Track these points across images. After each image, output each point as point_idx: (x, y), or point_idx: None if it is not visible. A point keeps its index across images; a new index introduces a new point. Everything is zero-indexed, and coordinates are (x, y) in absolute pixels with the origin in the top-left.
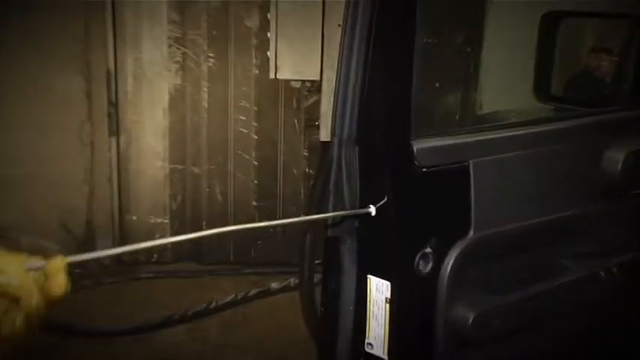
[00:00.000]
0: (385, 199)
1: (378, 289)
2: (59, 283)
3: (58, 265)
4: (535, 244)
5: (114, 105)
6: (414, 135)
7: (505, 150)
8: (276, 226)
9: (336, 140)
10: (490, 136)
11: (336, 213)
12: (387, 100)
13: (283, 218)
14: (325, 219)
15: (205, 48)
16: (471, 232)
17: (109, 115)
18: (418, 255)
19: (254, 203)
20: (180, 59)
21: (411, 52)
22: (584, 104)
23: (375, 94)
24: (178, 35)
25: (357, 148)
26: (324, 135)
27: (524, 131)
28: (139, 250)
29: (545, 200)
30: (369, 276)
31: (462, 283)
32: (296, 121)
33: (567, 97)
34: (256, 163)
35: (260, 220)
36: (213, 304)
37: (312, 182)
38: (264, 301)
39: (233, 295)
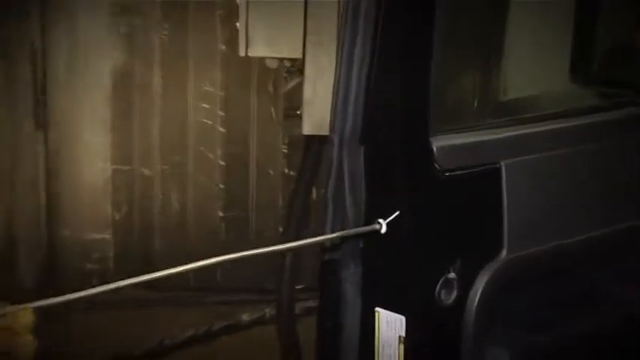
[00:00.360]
0: (398, 213)
1: (390, 326)
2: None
3: (26, 319)
4: (584, 266)
5: (41, 90)
6: (432, 131)
7: (546, 148)
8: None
9: (335, 139)
10: (526, 130)
11: (337, 234)
12: (401, 88)
13: (257, 231)
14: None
15: (158, 17)
16: (504, 252)
17: (36, 104)
18: (440, 282)
19: (220, 213)
20: (125, 31)
21: (431, 29)
22: (634, 88)
23: (386, 80)
24: (123, 0)
25: (362, 149)
26: (308, 127)
27: (570, 124)
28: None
29: (597, 210)
30: (377, 309)
31: (494, 316)
32: (273, 109)
33: (613, 78)
34: (223, 163)
35: (227, 234)
36: (167, 342)
37: (293, 187)
38: (232, 337)
39: (193, 330)
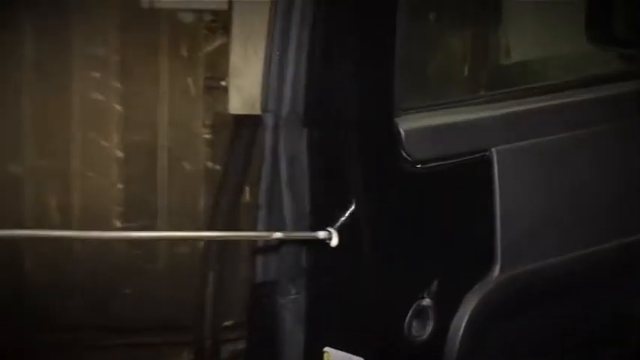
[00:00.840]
0: (351, 216)
1: None
2: None
3: None
4: (596, 285)
5: None
6: (399, 109)
7: (551, 129)
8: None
9: (269, 120)
10: (526, 106)
11: (269, 233)
12: (356, 52)
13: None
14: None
15: None
16: (497, 270)
17: None
18: (410, 310)
19: (117, 223)
20: None
21: None
22: None
23: (336, 44)
24: None
25: (305, 133)
26: (237, 105)
27: (583, 97)
28: None
29: (618, 213)
30: (326, 349)
31: (483, 353)
32: (190, 80)
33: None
34: (121, 155)
35: (128, 251)
36: None
37: (217, 185)
38: None
39: None
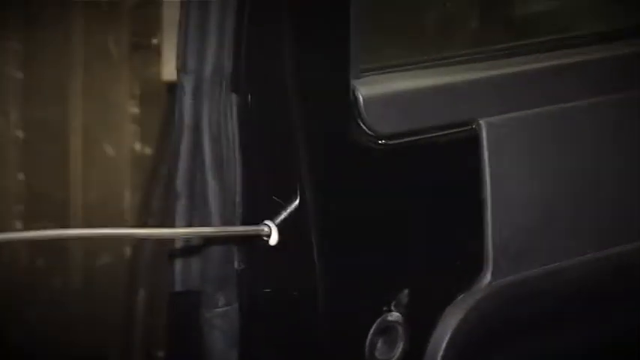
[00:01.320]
0: (296, 207)
1: None
2: None
3: None
4: (617, 296)
5: None
6: (357, 69)
7: (557, 97)
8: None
9: (187, 81)
10: (523, 66)
11: (196, 229)
12: None
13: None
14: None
15: None
16: (486, 277)
17: None
18: (373, 327)
19: (17, 224)
20: None
21: None
22: None
23: None
24: None
25: (234, 99)
26: (171, 70)
27: (595, 55)
28: None
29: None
30: None
31: None
32: (109, 38)
33: None
34: (20, 135)
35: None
36: None
37: (149, 172)
38: None
39: None
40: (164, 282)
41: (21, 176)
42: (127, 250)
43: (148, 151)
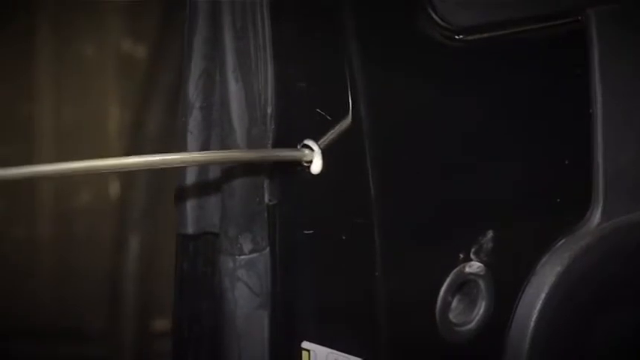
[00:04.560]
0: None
1: None
2: None
3: None
4: None
5: None
6: None
7: None
8: None
9: None
10: None
11: (209, 154)
12: None
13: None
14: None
15: None
16: (596, 217)
17: None
18: (446, 282)
19: None
20: None
21: None
22: None
23: None
24: None
25: None
26: None
27: None
28: None
29: None
30: (306, 345)
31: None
32: None
33: None
34: None
35: None
36: None
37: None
38: None
39: None
40: (168, 224)
41: None
42: (112, 187)
43: (141, 51)
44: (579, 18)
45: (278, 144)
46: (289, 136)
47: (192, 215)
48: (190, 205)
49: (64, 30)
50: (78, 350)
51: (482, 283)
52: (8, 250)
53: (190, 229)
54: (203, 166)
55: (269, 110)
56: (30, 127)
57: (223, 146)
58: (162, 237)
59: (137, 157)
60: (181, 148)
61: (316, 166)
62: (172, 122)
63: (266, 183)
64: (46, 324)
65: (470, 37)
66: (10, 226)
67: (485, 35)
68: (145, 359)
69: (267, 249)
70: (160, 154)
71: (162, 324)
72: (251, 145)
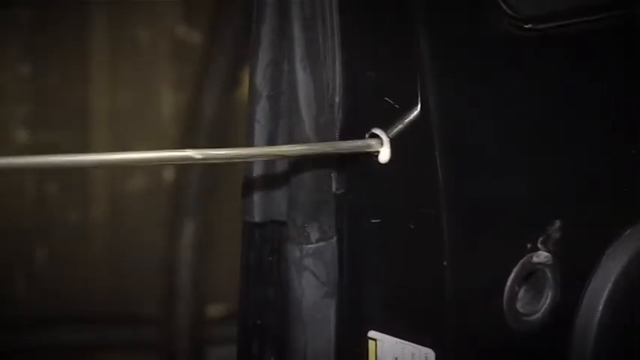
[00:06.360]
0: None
1: None
2: None
3: None
4: None
5: None
6: None
7: None
8: None
9: None
10: None
11: (279, 148)
12: None
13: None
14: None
15: None
16: None
17: None
18: (513, 272)
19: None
20: None
21: None
22: None
23: None
24: None
25: None
26: None
27: None
28: None
29: None
30: (372, 334)
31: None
32: None
33: None
34: None
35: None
36: None
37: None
38: None
39: None
40: (223, 209)
41: (25, 69)
42: (166, 172)
43: (196, 36)
44: None
45: (345, 132)
46: (357, 125)
47: (259, 203)
48: (257, 193)
49: (119, 15)
50: (132, 335)
51: (549, 273)
52: (63, 235)
53: (257, 217)
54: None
55: (337, 99)
56: (84, 113)
57: (291, 135)
58: (217, 222)
59: (203, 150)
60: (248, 136)
61: (384, 156)
62: (226, 108)
63: (333, 172)
64: (101, 309)
65: (539, 26)
66: (64, 211)
67: (556, 24)
68: (199, 344)
69: (334, 238)
70: (228, 148)
71: (217, 309)
72: (319, 134)
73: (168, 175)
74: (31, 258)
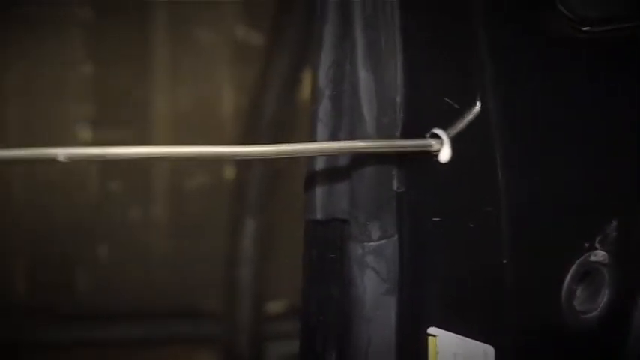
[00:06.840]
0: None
1: None
2: None
3: None
4: None
5: None
6: None
7: None
8: None
9: None
10: None
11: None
12: None
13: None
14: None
15: None
16: None
17: None
18: (571, 270)
19: (83, 134)
20: None
21: None
22: None
23: None
24: None
25: None
26: None
27: None
28: None
29: None
30: (432, 331)
31: None
32: None
33: None
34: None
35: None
36: None
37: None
38: None
39: None
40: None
41: (88, 69)
42: (227, 169)
43: (256, 37)
44: None
45: (407, 132)
46: (418, 125)
47: (322, 201)
48: (319, 191)
49: (180, 15)
50: (193, 330)
51: (606, 272)
52: (126, 232)
53: (319, 215)
54: (330, 154)
55: (398, 99)
56: (146, 112)
57: (353, 134)
58: (278, 220)
59: (269, 145)
60: (311, 135)
61: (445, 155)
62: (287, 108)
63: (395, 171)
64: (162, 304)
65: (597, 29)
66: (126, 208)
67: (614, 27)
68: (259, 340)
69: (396, 236)
70: (290, 144)
71: (277, 306)
72: (380, 133)
73: (230, 172)
74: (94, 254)
